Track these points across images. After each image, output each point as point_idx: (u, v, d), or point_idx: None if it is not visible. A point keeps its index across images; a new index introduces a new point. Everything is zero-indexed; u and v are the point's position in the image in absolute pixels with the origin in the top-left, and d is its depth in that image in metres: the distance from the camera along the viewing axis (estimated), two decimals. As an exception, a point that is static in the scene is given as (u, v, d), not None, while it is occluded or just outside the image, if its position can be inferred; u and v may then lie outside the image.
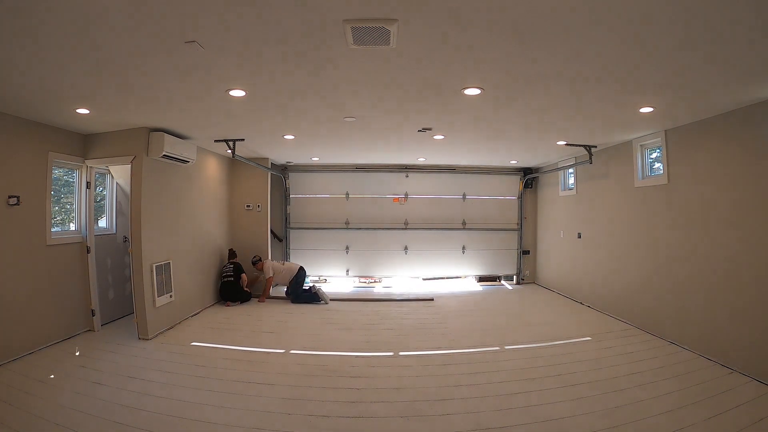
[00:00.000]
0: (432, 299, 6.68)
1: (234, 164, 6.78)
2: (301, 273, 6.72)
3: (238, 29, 2.20)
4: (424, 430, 2.69)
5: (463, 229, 8.10)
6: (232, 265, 6.34)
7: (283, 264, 6.80)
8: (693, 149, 4.12)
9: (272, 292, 6.72)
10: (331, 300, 6.49)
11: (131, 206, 4.51)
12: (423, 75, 2.90)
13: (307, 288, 6.63)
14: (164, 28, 2.17)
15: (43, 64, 2.62)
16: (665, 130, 4.45)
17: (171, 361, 3.83)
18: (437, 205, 8.06)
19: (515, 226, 8.17)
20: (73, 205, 4.73)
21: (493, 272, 8.18)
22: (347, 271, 7.99)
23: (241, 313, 5.72)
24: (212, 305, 6.10)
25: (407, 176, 8.00)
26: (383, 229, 7.97)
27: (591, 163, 5.60)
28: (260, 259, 6.71)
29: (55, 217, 4.56)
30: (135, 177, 4.48)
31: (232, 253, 6.56)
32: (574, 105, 3.61)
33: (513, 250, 8.19)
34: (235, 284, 6.22)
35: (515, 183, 8.10)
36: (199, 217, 5.83)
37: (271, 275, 6.56)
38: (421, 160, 7.35)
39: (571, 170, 6.75)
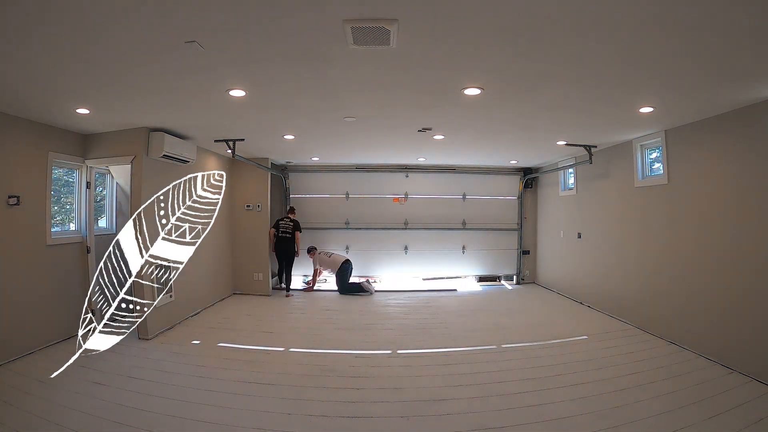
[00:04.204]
0: (455, 289, 7.46)
1: (234, 164, 6.76)
2: (345, 266, 7.13)
3: (238, 29, 2.20)
4: (424, 430, 2.69)
5: (463, 229, 8.09)
6: (291, 223, 6.93)
7: (329, 256, 7.28)
8: (693, 149, 4.12)
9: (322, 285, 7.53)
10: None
11: (131, 206, 4.51)
12: (423, 75, 2.90)
13: (355, 282, 7.18)
14: (164, 28, 2.17)
15: (43, 64, 2.62)
16: (665, 130, 4.45)
17: (171, 361, 3.83)
18: (437, 205, 8.06)
19: (515, 226, 8.16)
20: (73, 205, 4.72)
21: (493, 272, 8.17)
22: (347, 270, 8.00)
23: (240, 313, 5.72)
24: (212, 305, 6.10)
25: (407, 176, 7.99)
26: (383, 228, 7.97)
27: (591, 163, 5.60)
28: (315, 248, 7.42)
29: (55, 217, 4.55)
30: (135, 177, 4.48)
31: (291, 210, 7.25)
32: (574, 105, 3.61)
33: (513, 250, 8.18)
34: (291, 241, 6.83)
35: (515, 183, 8.10)
36: (199, 217, 5.83)
37: (317, 267, 7.28)
38: (421, 160, 7.35)
39: (571, 170, 6.75)
